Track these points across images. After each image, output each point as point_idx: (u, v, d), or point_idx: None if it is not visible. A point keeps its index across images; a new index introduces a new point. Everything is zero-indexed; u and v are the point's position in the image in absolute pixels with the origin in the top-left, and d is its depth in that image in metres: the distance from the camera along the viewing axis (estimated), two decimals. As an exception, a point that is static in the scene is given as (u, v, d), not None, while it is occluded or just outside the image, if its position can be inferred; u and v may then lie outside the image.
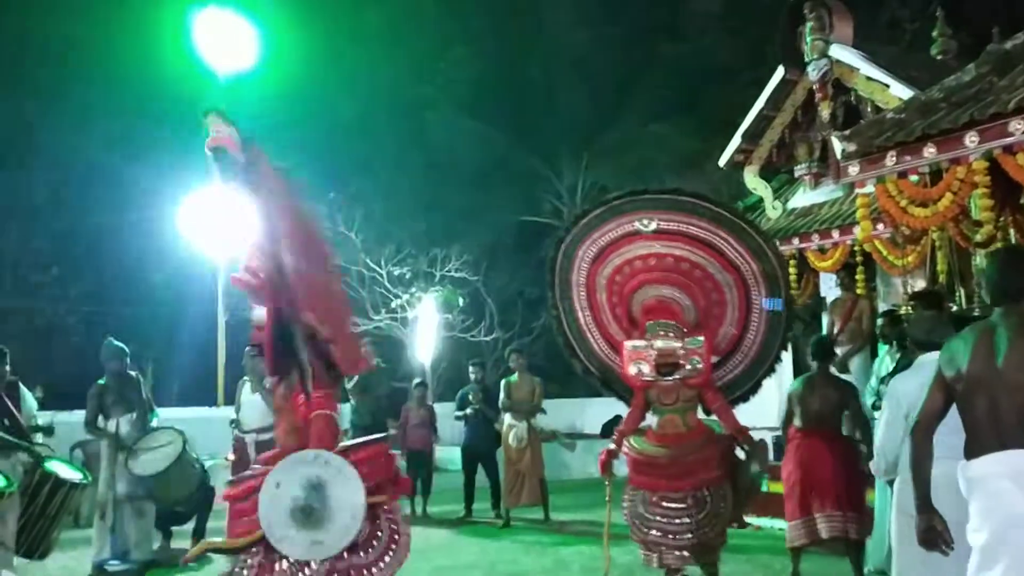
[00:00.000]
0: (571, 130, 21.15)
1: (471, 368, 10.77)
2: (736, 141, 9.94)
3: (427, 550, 8.26)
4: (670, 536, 5.48)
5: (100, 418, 7.85)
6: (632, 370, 5.57)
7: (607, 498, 5.64)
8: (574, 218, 5.90)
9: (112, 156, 17.83)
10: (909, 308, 6.37)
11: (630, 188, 5.83)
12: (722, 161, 10.25)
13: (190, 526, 8.50)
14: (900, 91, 8.11)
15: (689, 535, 5.45)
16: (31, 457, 6.43)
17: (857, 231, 8.33)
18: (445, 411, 11.79)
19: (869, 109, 8.66)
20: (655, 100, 20.54)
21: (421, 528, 9.58)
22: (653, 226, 5.54)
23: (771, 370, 6.00)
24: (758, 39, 17.05)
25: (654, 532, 5.52)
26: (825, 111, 9.13)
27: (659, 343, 5.50)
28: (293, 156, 18.30)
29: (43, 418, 8.46)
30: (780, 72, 9.49)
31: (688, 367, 5.51)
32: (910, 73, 8.51)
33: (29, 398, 7.83)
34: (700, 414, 5.77)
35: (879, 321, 7.29)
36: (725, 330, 5.75)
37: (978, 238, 5.99)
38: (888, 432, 4.51)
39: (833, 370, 7.14)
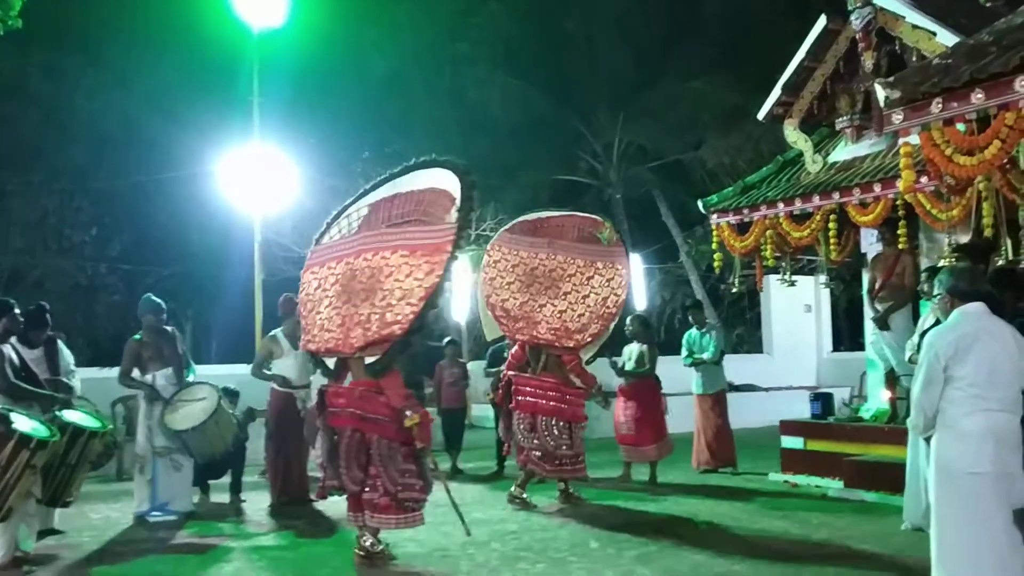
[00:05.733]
0: (609, 88, 20.84)
1: (507, 325, 10.71)
2: (776, 93, 9.64)
3: (461, 504, 8.28)
4: None
5: (136, 372, 7.96)
6: None
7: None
8: None
9: (150, 116, 17.91)
10: (953, 260, 6.20)
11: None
12: (761, 114, 9.97)
13: (227, 480, 8.64)
14: (948, 39, 7.76)
15: None
16: (52, 405, 6.52)
17: (900, 184, 8.11)
18: (479, 369, 11.81)
19: (915, 58, 8.34)
20: (695, 57, 20.14)
21: (455, 484, 9.61)
22: None
23: None
24: (800, -7, 16.61)
25: None
26: (868, 61, 8.81)
27: None
28: (329, 115, 18.35)
29: (86, 374, 8.61)
30: (822, 21, 9.18)
31: None
32: (958, 20, 8.19)
33: (67, 353, 7.94)
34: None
35: (922, 277, 7.10)
36: None
37: (1026, 189, 5.78)
38: (928, 388, 4.37)
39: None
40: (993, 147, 5.16)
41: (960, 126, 5.64)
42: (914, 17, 8.27)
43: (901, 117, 5.58)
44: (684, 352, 10.43)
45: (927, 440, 4.59)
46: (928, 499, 6.52)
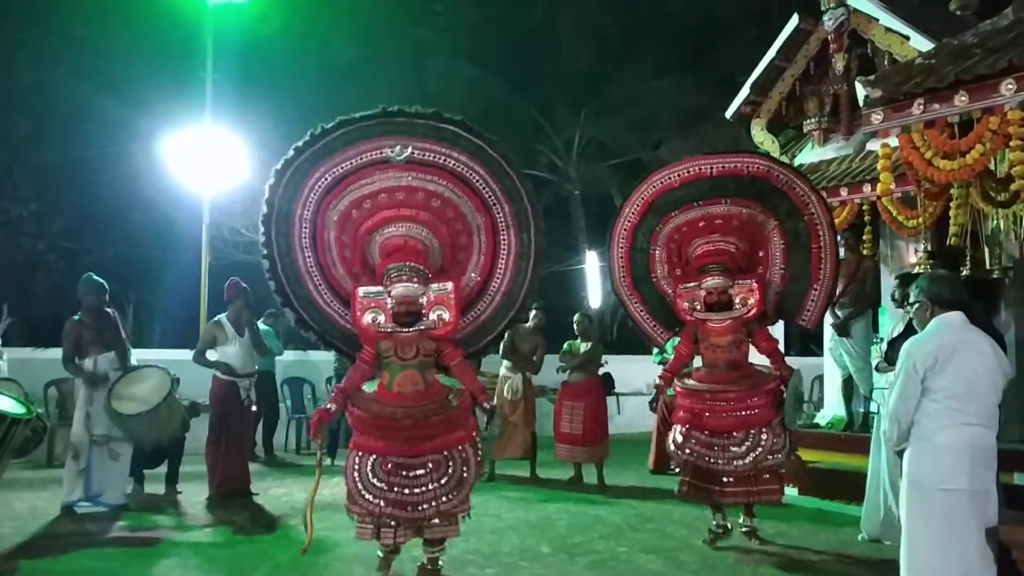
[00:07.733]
0: (572, 82, 20.64)
1: (460, 318, 10.44)
2: (745, 92, 9.49)
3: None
4: (408, 508, 5.02)
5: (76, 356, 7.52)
6: (367, 319, 5.11)
7: (317, 462, 5.19)
8: (308, 137, 5.17)
9: (97, 88, 17.22)
10: (928, 267, 6.07)
11: (382, 107, 5.15)
12: (729, 113, 9.82)
13: (162, 471, 8.24)
14: (920, 44, 7.68)
15: (429, 505, 5.03)
16: None
17: (867, 189, 8.03)
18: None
19: (886, 62, 8.26)
20: (660, 55, 20.05)
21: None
22: (406, 155, 5.14)
23: (516, 320, 5.77)
24: (766, -6, 16.61)
25: (384, 504, 4.99)
26: (839, 63, 8.73)
27: (399, 289, 5.10)
28: (284, 96, 17.73)
29: (18, 354, 8.13)
30: (794, 21, 9.06)
31: (433, 316, 5.15)
32: (929, 26, 8.11)
33: (-6, 331, 7.52)
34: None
35: (893, 283, 6.97)
36: (467, 278, 5.44)
37: (1001, 197, 5.65)
38: (904, 399, 4.20)
39: None
40: (975, 151, 5.02)
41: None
42: (888, 20, 8.18)
43: (881, 117, 5.41)
44: (656, 349, 10.25)
45: (899, 453, 4.42)
46: (886, 510, 6.49)
